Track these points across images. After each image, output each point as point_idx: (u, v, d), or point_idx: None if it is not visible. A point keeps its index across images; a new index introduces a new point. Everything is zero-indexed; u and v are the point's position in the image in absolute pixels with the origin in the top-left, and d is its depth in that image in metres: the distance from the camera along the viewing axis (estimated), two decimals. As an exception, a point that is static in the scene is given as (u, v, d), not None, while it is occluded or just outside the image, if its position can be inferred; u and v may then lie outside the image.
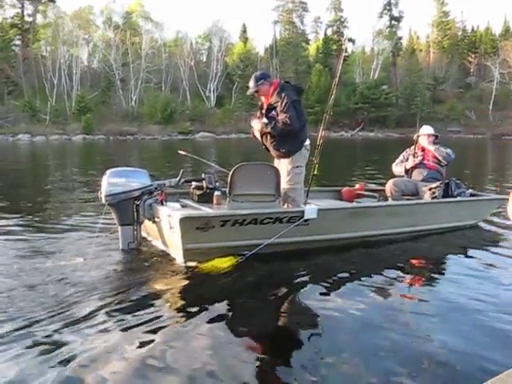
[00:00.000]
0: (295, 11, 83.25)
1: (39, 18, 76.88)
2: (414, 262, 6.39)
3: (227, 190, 6.12)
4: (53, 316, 4.26)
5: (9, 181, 16.35)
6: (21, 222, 8.45)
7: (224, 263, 5.73)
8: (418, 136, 8.28)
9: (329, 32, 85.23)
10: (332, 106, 6.88)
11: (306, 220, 6.13)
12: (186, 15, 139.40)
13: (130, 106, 69.60)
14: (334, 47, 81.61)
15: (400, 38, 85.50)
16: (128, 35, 73.11)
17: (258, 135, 6.63)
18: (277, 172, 6.20)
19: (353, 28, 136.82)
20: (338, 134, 65.52)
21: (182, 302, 4.86)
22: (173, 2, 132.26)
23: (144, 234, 6.64)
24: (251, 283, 5.40)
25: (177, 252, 5.88)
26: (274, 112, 6.41)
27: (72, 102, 66.80)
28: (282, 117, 6.32)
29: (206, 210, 6.30)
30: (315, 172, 6.88)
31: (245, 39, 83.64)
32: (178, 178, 6.86)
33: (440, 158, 7.99)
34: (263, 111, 6.60)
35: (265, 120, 6.45)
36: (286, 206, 6.48)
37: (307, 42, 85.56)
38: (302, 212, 6.13)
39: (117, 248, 6.29)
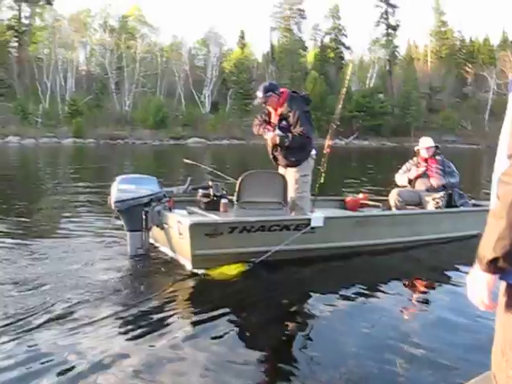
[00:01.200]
0: (293, 18, 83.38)
1: (36, 21, 76.62)
2: (417, 271, 6.57)
3: (235, 197, 6.25)
4: (61, 320, 4.36)
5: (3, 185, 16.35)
6: (27, 227, 8.57)
7: (232, 270, 5.87)
8: (418, 149, 8.42)
9: (327, 40, 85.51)
10: (339, 116, 7.07)
11: (312, 228, 6.29)
12: (183, 20, 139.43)
13: (124, 110, 69.59)
14: (332, 55, 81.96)
15: (396, 47, 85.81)
16: (123, 39, 73.17)
17: (269, 143, 6.76)
18: (284, 180, 6.35)
19: (350, 36, 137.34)
20: (333, 142, 65.53)
21: (191, 309, 4.99)
22: (169, 6, 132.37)
23: (151, 241, 6.76)
24: (259, 291, 5.55)
25: (185, 258, 6.02)
26: (284, 122, 6.57)
27: (65, 105, 66.68)
28: (298, 129, 6.51)
29: (214, 217, 6.44)
30: (322, 181, 7.05)
31: (242, 45, 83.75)
32: (186, 185, 7.01)
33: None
34: (272, 121, 6.76)
35: (279, 132, 6.57)
36: (293, 214, 6.62)
37: (304, 49, 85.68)
38: (309, 220, 6.29)
39: (125, 253, 6.41)
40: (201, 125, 68.87)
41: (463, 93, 79.55)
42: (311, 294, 5.44)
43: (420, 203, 8.04)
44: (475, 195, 10.99)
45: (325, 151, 7.07)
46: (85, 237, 7.61)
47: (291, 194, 6.56)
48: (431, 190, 8.09)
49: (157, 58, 76.14)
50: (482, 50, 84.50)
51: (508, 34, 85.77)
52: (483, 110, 74.79)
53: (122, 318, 4.50)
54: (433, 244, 7.50)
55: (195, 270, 5.85)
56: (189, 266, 5.93)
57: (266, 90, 6.61)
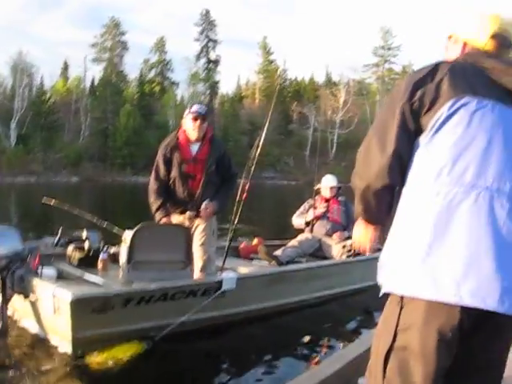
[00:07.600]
0: (113, 50, 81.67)
1: None
2: (331, 329, 6.07)
3: (124, 254, 5.14)
4: None
5: None
6: None
7: (126, 351, 4.71)
8: (319, 188, 7.82)
9: (152, 74, 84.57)
10: (256, 156, 6.25)
11: (223, 291, 5.28)
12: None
13: None
14: (158, 88, 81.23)
15: (217, 82, 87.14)
16: None
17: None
18: (187, 234, 5.36)
19: (177, 70, 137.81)
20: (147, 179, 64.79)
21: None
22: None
23: (9, 312, 5.22)
24: (161, 376, 4.53)
25: (63, 340, 4.69)
26: (214, 166, 5.60)
27: None
28: (231, 178, 5.82)
29: (96, 280, 5.30)
30: (233, 232, 6.11)
31: (65, 77, 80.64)
32: (57, 237, 5.66)
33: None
34: (190, 160, 5.65)
35: (208, 203, 5.54)
36: (200, 274, 5.57)
37: (126, 81, 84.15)
38: (220, 282, 5.29)
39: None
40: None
41: (288, 130, 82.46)
42: (223, 374, 4.72)
43: (320, 249, 7.38)
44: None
45: (238, 198, 6.12)
46: None
47: (205, 247, 5.56)
48: (330, 233, 7.56)
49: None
50: (308, 88, 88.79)
51: (332, 74, 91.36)
52: (305, 146, 77.94)
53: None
54: (344, 296, 7.05)
55: (76, 355, 4.56)
56: (68, 350, 4.62)
57: (206, 112, 5.73)
